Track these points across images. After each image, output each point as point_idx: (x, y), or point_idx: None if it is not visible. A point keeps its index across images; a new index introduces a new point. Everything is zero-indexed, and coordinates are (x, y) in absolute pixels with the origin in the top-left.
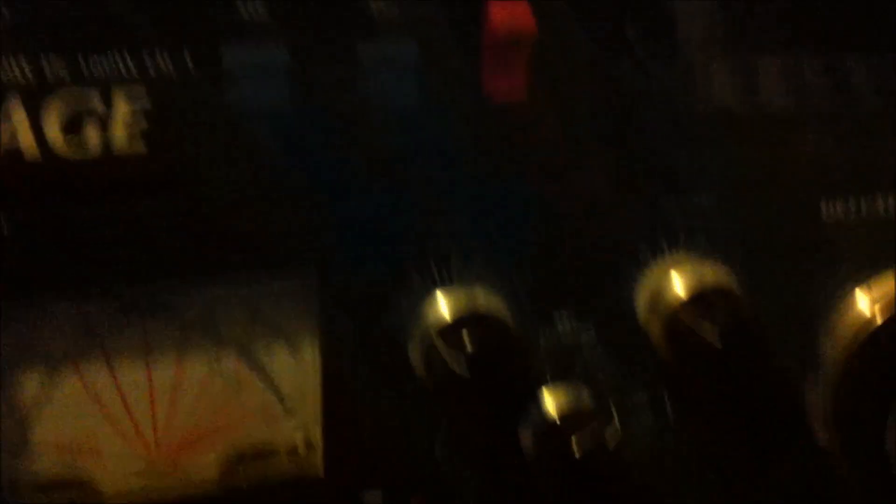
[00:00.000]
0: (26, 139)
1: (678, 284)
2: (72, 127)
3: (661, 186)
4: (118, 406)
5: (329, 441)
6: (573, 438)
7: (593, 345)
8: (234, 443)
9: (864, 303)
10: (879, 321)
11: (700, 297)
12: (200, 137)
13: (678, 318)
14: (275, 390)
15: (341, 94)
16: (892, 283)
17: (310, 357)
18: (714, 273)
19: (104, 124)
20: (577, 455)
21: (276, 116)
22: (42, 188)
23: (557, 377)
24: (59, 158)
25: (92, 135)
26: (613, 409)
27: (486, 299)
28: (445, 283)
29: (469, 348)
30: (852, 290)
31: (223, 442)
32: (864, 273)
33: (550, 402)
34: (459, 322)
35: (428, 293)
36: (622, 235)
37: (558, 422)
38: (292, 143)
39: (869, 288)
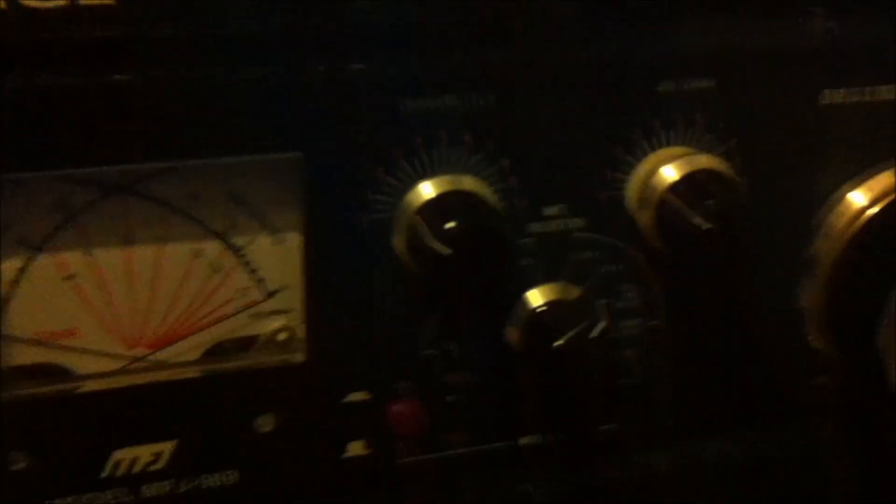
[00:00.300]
0: None
1: (670, 168)
2: None
3: (660, 71)
4: (97, 289)
5: (311, 330)
6: (559, 331)
7: (584, 238)
8: (216, 328)
9: (859, 194)
10: (874, 210)
11: (690, 178)
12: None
13: (668, 200)
14: (257, 277)
15: None
16: (888, 174)
17: (293, 244)
18: (707, 158)
19: None
20: (562, 347)
21: None
22: (11, 48)
23: (547, 271)
24: (25, 7)
25: None
26: (603, 304)
27: (473, 184)
28: (432, 174)
29: (451, 222)
30: (848, 183)
31: (204, 327)
32: (860, 164)
33: (538, 297)
34: (442, 197)
35: (414, 183)
36: (619, 123)
37: (545, 315)
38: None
39: (864, 180)
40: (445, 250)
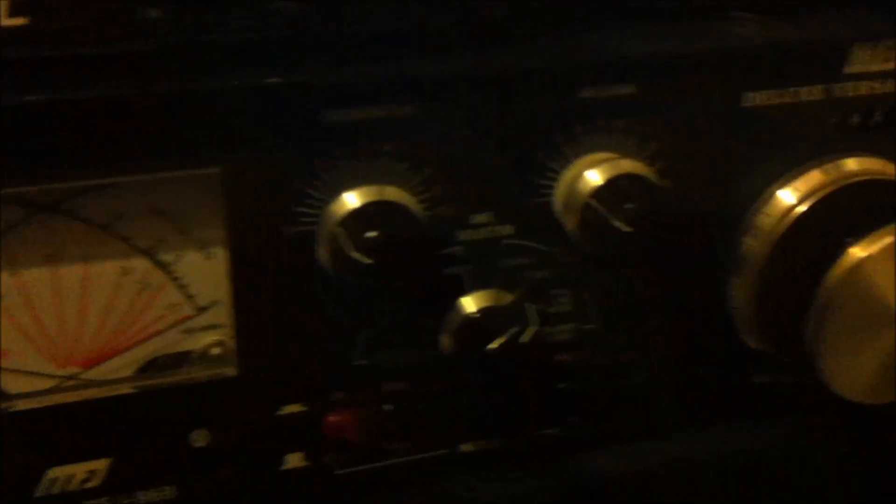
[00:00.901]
0: None
1: (593, 173)
2: None
3: (581, 78)
4: (25, 310)
5: (241, 344)
6: (492, 336)
7: (514, 244)
8: (148, 344)
9: (787, 192)
10: (802, 208)
11: (612, 183)
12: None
13: (591, 205)
14: (188, 292)
15: None
16: (815, 172)
17: (221, 259)
18: (630, 163)
19: None
20: (494, 352)
21: None
22: None
23: (479, 278)
24: None
25: None
26: (533, 308)
27: (397, 194)
28: (355, 185)
29: (371, 232)
30: (777, 182)
31: (136, 344)
32: (787, 163)
33: (471, 303)
34: (364, 207)
35: (337, 194)
36: (542, 130)
37: (478, 321)
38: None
39: (792, 178)
40: (366, 260)
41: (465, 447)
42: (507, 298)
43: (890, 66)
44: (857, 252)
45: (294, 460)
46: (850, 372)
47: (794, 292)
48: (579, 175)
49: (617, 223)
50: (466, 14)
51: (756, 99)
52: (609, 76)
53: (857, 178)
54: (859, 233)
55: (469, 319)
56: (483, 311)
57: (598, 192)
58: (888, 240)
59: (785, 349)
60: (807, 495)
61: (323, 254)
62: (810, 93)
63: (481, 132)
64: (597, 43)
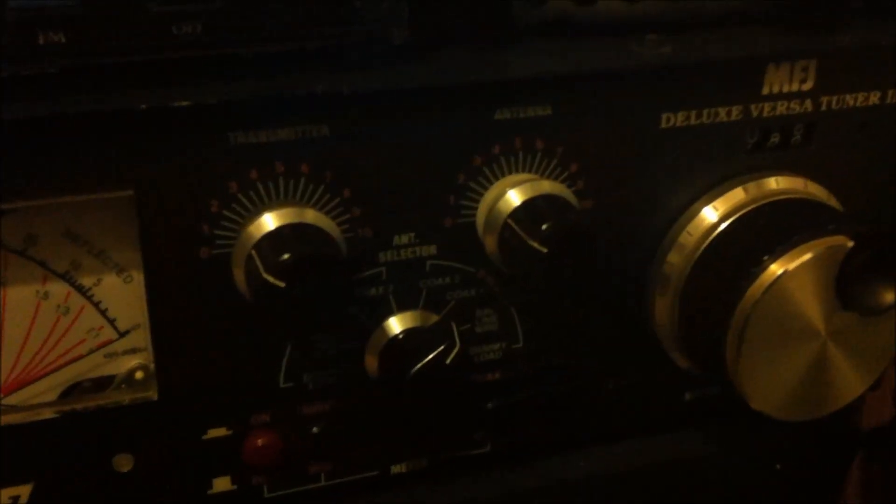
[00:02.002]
0: None
1: (512, 193)
2: None
3: (497, 98)
4: None
5: (161, 368)
6: (417, 357)
7: (437, 265)
8: (70, 368)
9: (709, 210)
10: (724, 226)
11: (529, 204)
12: None
13: (509, 225)
14: (108, 316)
15: None
16: (737, 191)
17: (138, 281)
18: (549, 184)
19: None
20: (418, 373)
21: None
22: None
23: (403, 299)
24: None
25: None
26: (455, 328)
27: (314, 216)
28: (272, 207)
29: (284, 254)
30: (700, 200)
31: (58, 368)
32: (707, 183)
33: (395, 325)
34: (277, 230)
35: (254, 216)
36: (461, 151)
37: (402, 342)
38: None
39: (713, 197)
40: (279, 283)
41: (396, 468)
42: (432, 319)
43: (807, 86)
44: (776, 268)
45: (221, 484)
46: (769, 389)
47: (714, 309)
48: (499, 196)
49: (533, 244)
50: (381, 33)
51: (674, 119)
52: (523, 97)
53: (777, 197)
54: (778, 249)
55: (394, 340)
56: (407, 332)
57: (516, 212)
58: (806, 256)
59: (707, 367)
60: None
61: (238, 276)
62: (728, 113)
63: (400, 153)
64: (510, 64)
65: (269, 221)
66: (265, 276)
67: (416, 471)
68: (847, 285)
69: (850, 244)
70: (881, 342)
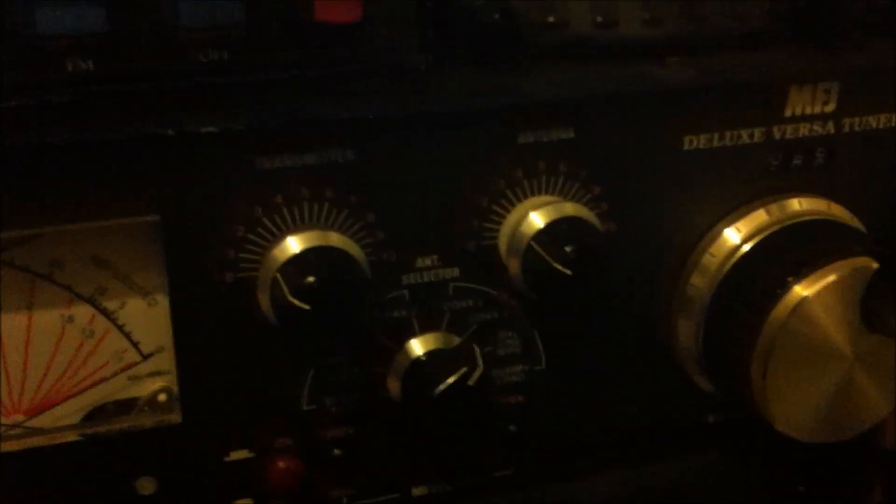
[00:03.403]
0: None
1: (535, 216)
2: None
3: (519, 122)
4: None
5: (185, 391)
6: (439, 380)
7: (460, 287)
8: (94, 391)
9: (732, 232)
10: (748, 247)
11: (552, 226)
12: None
13: (532, 247)
14: (132, 339)
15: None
16: (759, 213)
17: (164, 306)
18: (572, 206)
19: None
20: (441, 395)
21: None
22: None
23: (426, 322)
24: None
25: None
26: (477, 350)
27: (338, 240)
28: (296, 231)
29: (309, 277)
30: (722, 221)
31: (82, 391)
32: (730, 205)
33: (418, 347)
34: (302, 254)
35: (278, 240)
36: (484, 174)
37: (425, 364)
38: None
39: (736, 219)
40: (304, 306)
41: (417, 491)
42: (455, 341)
43: (829, 108)
44: (800, 290)
45: None
46: (795, 411)
47: (738, 332)
48: (522, 218)
49: (557, 266)
50: (392, 61)
51: (696, 142)
52: (545, 120)
53: (800, 219)
54: (802, 271)
55: (416, 363)
56: (430, 354)
57: (539, 235)
58: (831, 278)
59: (731, 390)
60: None
61: (263, 300)
62: (751, 135)
63: (424, 176)
64: (533, 87)
65: (294, 245)
66: (290, 299)
67: (438, 494)
68: (872, 307)
69: (876, 265)
70: None
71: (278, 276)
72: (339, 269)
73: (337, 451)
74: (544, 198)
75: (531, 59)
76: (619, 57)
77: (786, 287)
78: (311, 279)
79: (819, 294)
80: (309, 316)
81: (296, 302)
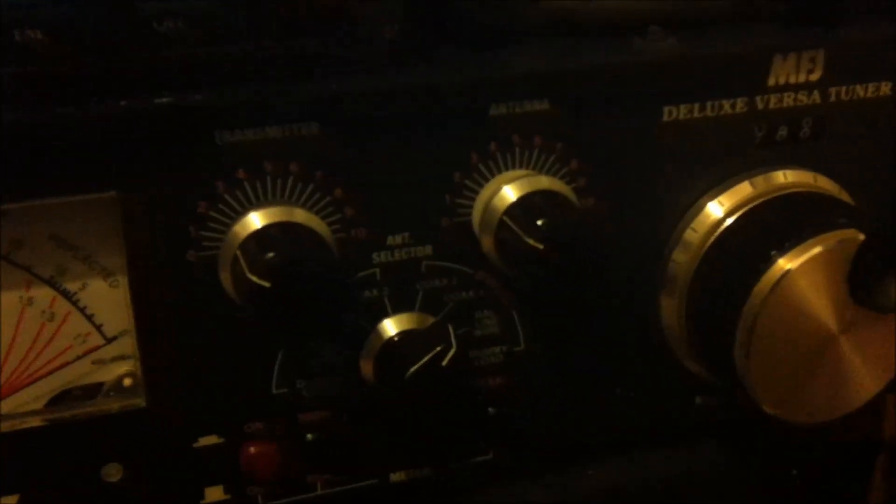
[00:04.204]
0: None
1: (508, 190)
2: None
3: (491, 94)
4: None
5: (149, 375)
6: (413, 361)
7: (434, 266)
8: (57, 375)
9: (715, 206)
10: (730, 222)
11: (525, 200)
12: None
13: (505, 222)
14: (95, 322)
15: None
16: (743, 186)
17: (124, 286)
18: (548, 180)
19: None
20: (414, 376)
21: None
22: None
23: (399, 301)
24: None
25: None
26: (451, 330)
27: (304, 216)
28: (260, 207)
29: (270, 254)
30: (706, 195)
31: (44, 375)
32: (713, 178)
33: (391, 327)
34: (264, 230)
35: (240, 216)
36: (456, 149)
37: (397, 345)
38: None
39: (719, 192)
40: (264, 283)
41: (396, 476)
42: (429, 321)
43: (814, 76)
44: (784, 264)
45: (214, 494)
46: (782, 390)
47: (722, 309)
48: (495, 193)
49: (529, 241)
50: (361, 35)
51: (677, 113)
52: (519, 92)
53: (785, 191)
54: (786, 245)
55: (389, 343)
56: (403, 335)
57: (512, 209)
58: (815, 251)
59: (716, 368)
60: None
61: (226, 279)
62: (733, 106)
63: (393, 151)
64: (506, 59)
65: (256, 221)
66: (250, 276)
67: (417, 479)
68: (859, 281)
69: (863, 238)
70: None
71: (238, 252)
72: (303, 245)
73: (311, 436)
74: (519, 172)
75: (512, 34)
76: (606, 31)
77: (769, 261)
78: (271, 255)
79: (803, 267)
80: (271, 294)
81: (255, 279)
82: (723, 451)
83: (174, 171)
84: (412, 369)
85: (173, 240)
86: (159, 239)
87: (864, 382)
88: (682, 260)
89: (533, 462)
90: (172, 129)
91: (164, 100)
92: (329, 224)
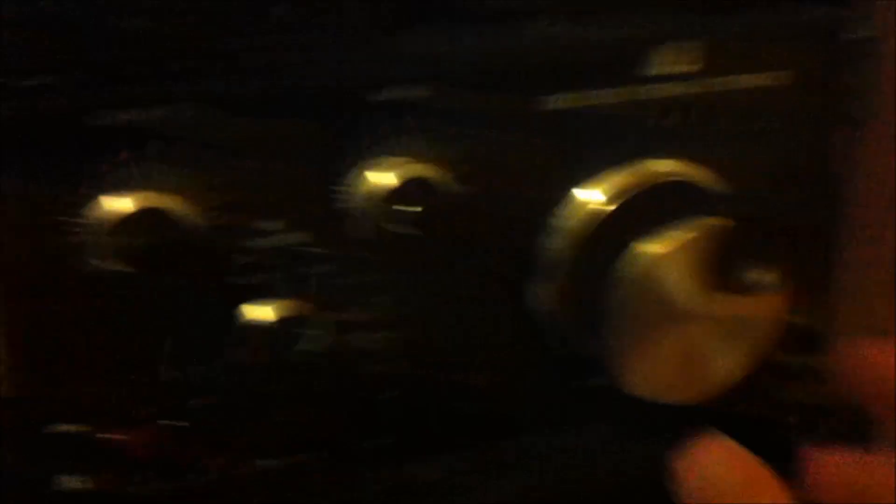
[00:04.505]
0: None
1: (385, 177)
2: None
3: (368, 81)
4: None
5: (16, 361)
6: (289, 347)
7: (310, 252)
8: None
9: (591, 194)
10: (605, 211)
11: (402, 188)
12: None
13: (381, 208)
14: None
15: None
16: (620, 175)
17: None
18: (422, 167)
19: None
20: (289, 362)
21: None
22: None
23: (276, 287)
24: None
25: None
26: (330, 316)
27: (173, 202)
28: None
29: (135, 240)
30: (584, 184)
31: None
32: (592, 167)
33: (267, 313)
34: (131, 215)
35: (105, 200)
36: (332, 134)
37: (274, 331)
38: None
39: (596, 181)
40: (126, 269)
41: (285, 461)
42: (306, 308)
43: (694, 67)
44: (651, 249)
45: (86, 483)
46: (647, 372)
47: (593, 294)
48: (371, 179)
49: (403, 226)
50: (232, 22)
51: (556, 102)
52: (396, 78)
53: (660, 180)
54: (654, 231)
55: (267, 329)
56: (280, 321)
57: (388, 195)
58: (684, 237)
59: (592, 353)
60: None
61: (91, 265)
62: (614, 95)
63: (267, 135)
64: (383, 44)
65: (120, 206)
66: (112, 262)
67: (312, 463)
68: (726, 267)
69: (730, 225)
70: (762, 323)
71: (102, 239)
72: (168, 231)
73: (199, 422)
74: (396, 159)
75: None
76: (491, 17)
77: (637, 246)
78: (134, 241)
79: (668, 252)
80: (133, 280)
81: (117, 265)
82: (611, 431)
83: (38, 153)
84: (288, 354)
85: (33, 224)
86: (22, 224)
87: (730, 365)
88: (558, 247)
89: (423, 444)
90: (38, 113)
91: (29, 83)
92: (199, 210)
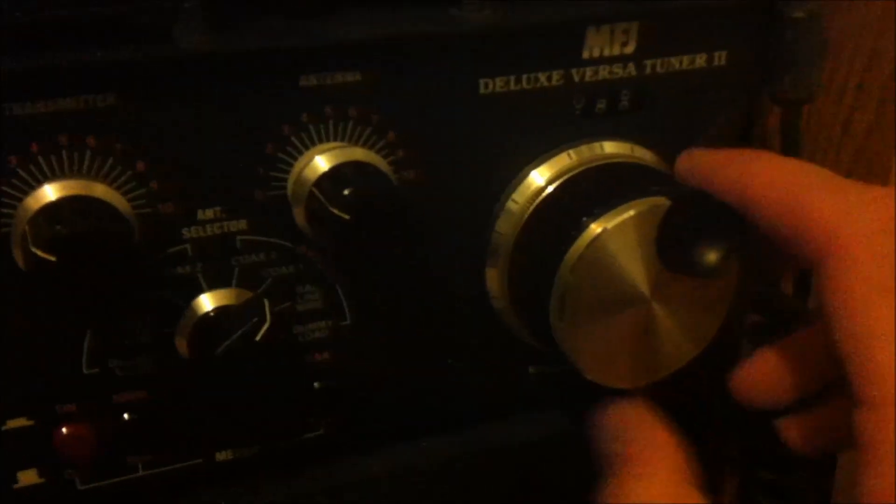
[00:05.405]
0: None
1: (319, 161)
2: None
3: (301, 64)
4: None
5: None
6: (227, 337)
7: (249, 241)
8: None
9: (535, 176)
10: (548, 192)
11: (334, 172)
12: None
13: (314, 193)
14: None
15: None
16: (562, 156)
17: None
18: (361, 151)
19: None
20: (226, 352)
21: None
22: None
23: (214, 277)
24: None
25: None
26: (266, 304)
27: (104, 191)
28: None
29: (56, 227)
30: (529, 165)
31: None
32: (534, 150)
33: (205, 303)
34: (53, 204)
35: (34, 191)
36: (268, 119)
37: (211, 321)
38: None
39: (540, 164)
40: (49, 257)
41: (221, 455)
42: (245, 297)
43: (628, 49)
44: (595, 228)
45: (28, 477)
46: (600, 356)
47: (538, 276)
48: (307, 165)
49: (334, 210)
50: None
51: (493, 85)
52: (329, 63)
53: (603, 161)
54: (597, 210)
55: (203, 319)
56: (217, 310)
57: (321, 179)
58: (626, 215)
59: (540, 336)
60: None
61: (17, 255)
62: (549, 78)
63: (201, 122)
64: (316, 28)
65: (48, 194)
66: (34, 250)
67: (245, 458)
68: (667, 246)
69: (672, 204)
70: (710, 304)
71: (27, 227)
72: (94, 219)
73: (128, 416)
74: (332, 144)
75: (332, 3)
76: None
77: (581, 226)
78: (56, 228)
79: (613, 232)
80: (59, 269)
81: (39, 252)
82: (563, 419)
83: None
84: (225, 344)
85: None
86: None
87: (680, 346)
88: (504, 230)
89: (367, 436)
90: None
91: None
92: (132, 199)
